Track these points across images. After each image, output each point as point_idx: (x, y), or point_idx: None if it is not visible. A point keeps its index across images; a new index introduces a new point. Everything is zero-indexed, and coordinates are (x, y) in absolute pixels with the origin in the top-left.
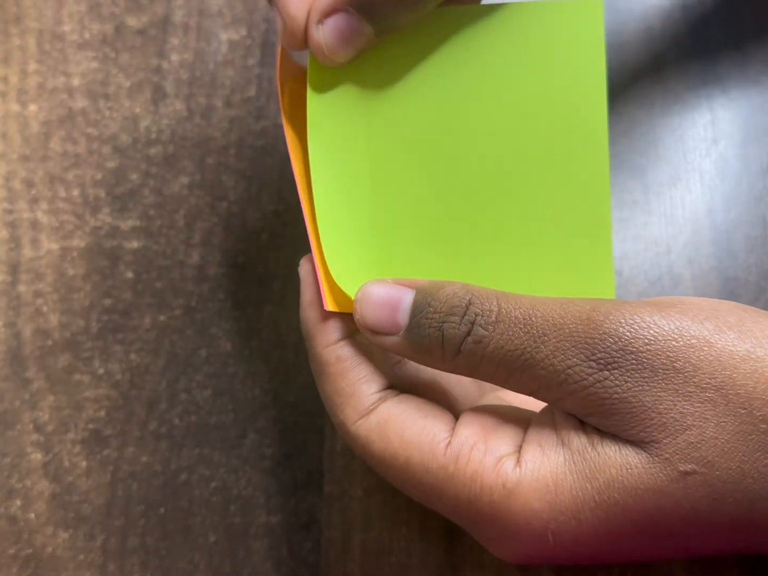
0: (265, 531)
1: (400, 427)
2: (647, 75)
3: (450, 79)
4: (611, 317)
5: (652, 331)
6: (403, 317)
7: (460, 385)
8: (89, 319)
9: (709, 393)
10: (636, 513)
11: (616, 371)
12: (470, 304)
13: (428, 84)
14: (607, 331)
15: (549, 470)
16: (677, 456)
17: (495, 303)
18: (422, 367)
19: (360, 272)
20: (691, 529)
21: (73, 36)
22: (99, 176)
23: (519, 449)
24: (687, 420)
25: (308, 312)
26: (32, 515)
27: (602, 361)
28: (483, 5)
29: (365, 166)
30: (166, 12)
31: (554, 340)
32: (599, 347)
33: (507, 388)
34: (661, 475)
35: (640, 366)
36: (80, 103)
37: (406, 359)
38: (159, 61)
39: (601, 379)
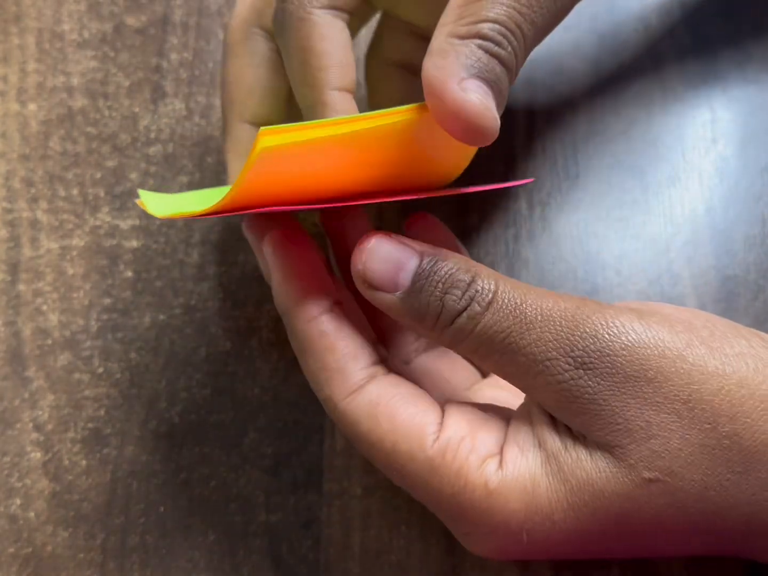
0: (265, 529)
1: (391, 412)
2: (646, 74)
3: None
4: (593, 318)
5: (629, 337)
6: (405, 278)
7: (455, 374)
8: (89, 318)
9: (677, 405)
10: (603, 515)
11: (590, 372)
12: (473, 281)
13: None
14: (588, 330)
15: (527, 472)
16: (642, 463)
17: (493, 284)
18: (418, 356)
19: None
20: (655, 532)
21: (73, 35)
22: (98, 175)
23: (501, 449)
24: (653, 429)
25: (284, 288)
26: (32, 514)
27: (579, 360)
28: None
29: None
30: (166, 11)
31: (539, 330)
32: (578, 345)
33: (482, 366)
34: (626, 480)
35: (613, 370)
36: (80, 102)
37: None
38: (158, 60)
39: (576, 377)
